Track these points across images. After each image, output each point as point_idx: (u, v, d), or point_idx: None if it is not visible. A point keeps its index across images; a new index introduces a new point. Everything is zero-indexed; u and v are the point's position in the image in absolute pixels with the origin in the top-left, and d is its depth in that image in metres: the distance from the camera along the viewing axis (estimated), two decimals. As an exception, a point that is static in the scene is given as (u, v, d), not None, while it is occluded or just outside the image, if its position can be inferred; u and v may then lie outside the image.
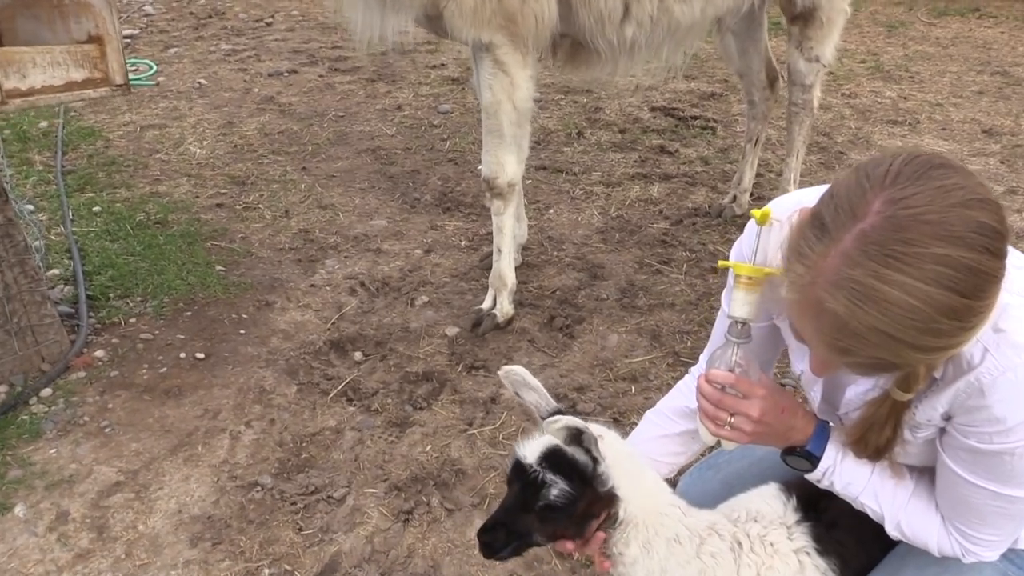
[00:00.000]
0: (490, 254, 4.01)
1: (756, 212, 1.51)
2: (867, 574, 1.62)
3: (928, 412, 1.38)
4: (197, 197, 4.80)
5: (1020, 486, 1.35)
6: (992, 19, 8.53)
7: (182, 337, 3.48)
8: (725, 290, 1.75)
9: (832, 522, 1.60)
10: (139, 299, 3.71)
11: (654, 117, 6.04)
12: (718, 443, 1.63)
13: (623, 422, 2.98)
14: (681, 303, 3.76)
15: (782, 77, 4.25)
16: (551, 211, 4.69)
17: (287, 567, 2.48)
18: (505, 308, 3.58)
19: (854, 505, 1.55)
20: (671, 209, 4.67)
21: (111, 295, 3.70)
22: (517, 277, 3.75)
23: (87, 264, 3.90)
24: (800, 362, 1.64)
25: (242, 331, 3.55)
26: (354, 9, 3.12)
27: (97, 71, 2.75)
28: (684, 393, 1.90)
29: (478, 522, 2.53)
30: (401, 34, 3.14)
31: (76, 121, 5.80)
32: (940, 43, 7.83)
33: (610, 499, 1.50)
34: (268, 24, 8.37)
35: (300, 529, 2.61)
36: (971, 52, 7.53)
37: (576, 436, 1.43)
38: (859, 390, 1.52)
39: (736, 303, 1.50)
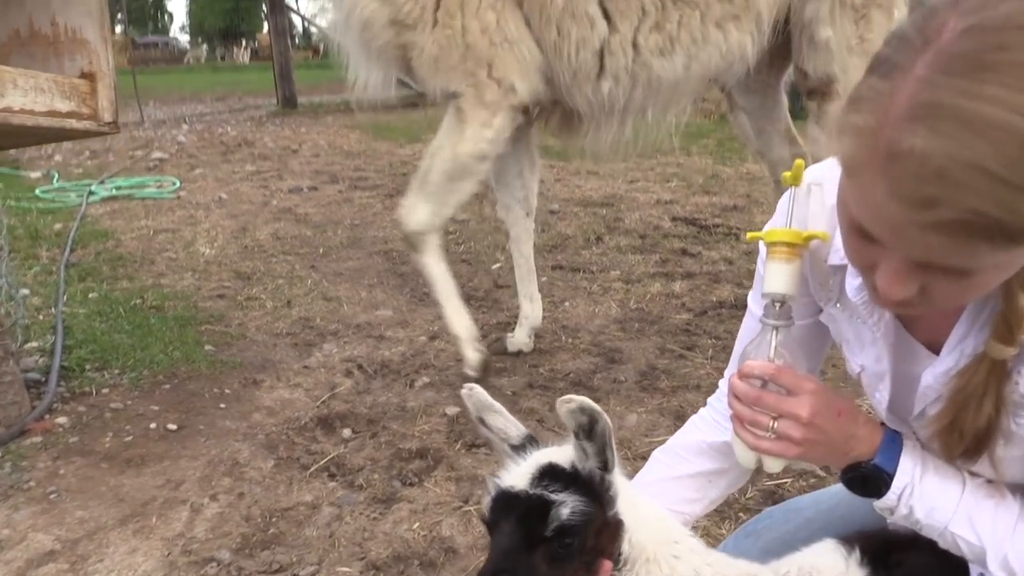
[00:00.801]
0: (499, 339, 3.84)
1: (786, 173, 1.24)
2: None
3: None
4: (199, 289, 4.63)
5: None
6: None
7: (156, 408, 3.17)
8: (752, 289, 1.44)
9: None
10: (116, 371, 3.44)
11: (675, 225, 5.90)
12: (759, 466, 1.27)
13: (643, 500, 2.56)
14: (707, 385, 3.40)
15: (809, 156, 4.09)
16: (566, 304, 4.43)
17: (233, 652, 2.04)
18: (469, 357, 3.36)
19: (940, 541, 1.16)
20: (694, 302, 4.39)
21: (87, 367, 3.44)
22: (528, 361, 3.48)
23: (69, 339, 3.67)
24: (859, 355, 1.29)
25: (222, 405, 3.23)
26: (349, 48, 3.09)
27: (85, 106, 2.65)
28: (700, 428, 1.54)
29: (467, 602, 2.10)
30: (384, 87, 3.09)
31: (91, 224, 5.80)
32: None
33: (616, 527, 1.18)
34: (294, 151, 8.60)
35: (255, 609, 2.18)
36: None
37: (589, 425, 1.10)
38: (940, 369, 1.15)
39: (772, 277, 1.20)
